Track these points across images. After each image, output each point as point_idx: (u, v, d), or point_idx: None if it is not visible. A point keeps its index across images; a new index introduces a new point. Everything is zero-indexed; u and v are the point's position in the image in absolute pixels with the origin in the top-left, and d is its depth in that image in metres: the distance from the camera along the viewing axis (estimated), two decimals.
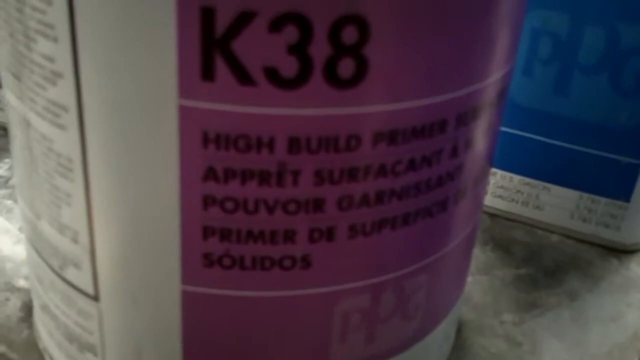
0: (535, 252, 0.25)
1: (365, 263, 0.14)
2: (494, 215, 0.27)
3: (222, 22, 0.11)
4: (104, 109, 0.12)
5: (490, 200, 0.26)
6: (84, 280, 0.14)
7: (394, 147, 0.13)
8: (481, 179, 0.16)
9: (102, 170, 0.13)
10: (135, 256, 0.13)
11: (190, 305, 0.13)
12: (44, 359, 0.18)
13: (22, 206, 0.16)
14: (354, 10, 0.11)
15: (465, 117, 0.14)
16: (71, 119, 0.13)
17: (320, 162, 0.12)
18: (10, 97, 0.14)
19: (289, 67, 0.11)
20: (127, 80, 0.12)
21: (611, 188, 0.24)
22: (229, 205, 0.12)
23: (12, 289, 0.20)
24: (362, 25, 0.11)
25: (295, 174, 0.12)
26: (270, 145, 0.12)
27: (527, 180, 0.26)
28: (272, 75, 0.11)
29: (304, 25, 0.11)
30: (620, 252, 0.25)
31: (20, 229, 0.23)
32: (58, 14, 0.12)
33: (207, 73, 0.11)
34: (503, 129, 0.25)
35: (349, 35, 0.11)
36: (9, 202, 0.25)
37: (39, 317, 0.17)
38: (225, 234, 0.13)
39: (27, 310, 0.19)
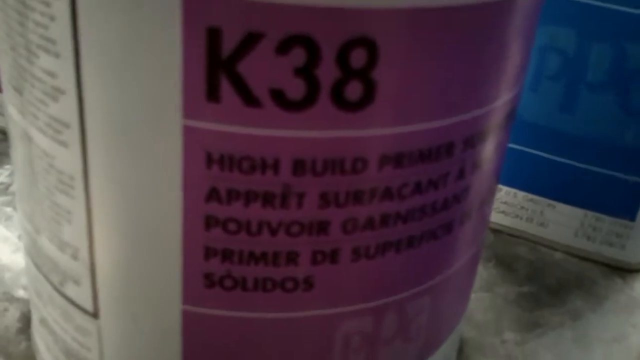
0: (538, 269, 0.25)
1: (368, 286, 0.14)
2: (497, 231, 0.26)
3: (228, 43, 0.11)
4: (107, 127, 0.12)
5: (494, 216, 0.26)
6: (83, 297, 0.14)
7: (400, 170, 0.12)
8: (487, 200, 0.16)
9: (104, 188, 0.13)
10: (136, 275, 0.13)
11: (191, 325, 0.13)
12: None
13: (22, 219, 0.16)
14: (362, 33, 0.11)
15: (472, 140, 0.13)
16: (73, 136, 0.12)
17: (325, 184, 0.12)
18: (11, 111, 0.14)
19: (295, 89, 0.11)
20: (131, 99, 0.11)
21: (616, 207, 0.24)
22: (232, 226, 0.12)
23: (11, 299, 0.20)
24: (371, 48, 0.11)
25: (300, 196, 0.12)
26: (275, 167, 0.12)
27: (531, 196, 0.25)
28: (278, 97, 0.11)
29: (312, 48, 0.11)
30: (625, 271, 0.25)
31: (19, 237, 0.23)
32: (60, 30, 0.12)
33: (213, 94, 0.11)
34: (509, 145, 0.25)
35: (357, 58, 0.11)
36: (8, 210, 0.24)
37: (37, 330, 0.17)
38: (227, 255, 0.12)
39: (26, 321, 0.19)
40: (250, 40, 0.11)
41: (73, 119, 0.12)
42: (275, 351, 0.14)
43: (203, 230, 0.12)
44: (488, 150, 0.14)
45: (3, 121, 0.29)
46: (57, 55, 0.12)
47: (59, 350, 0.16)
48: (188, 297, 0.13)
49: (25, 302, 0.20)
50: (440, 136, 0.13)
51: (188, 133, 0.11)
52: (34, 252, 0.15)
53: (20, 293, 0.20)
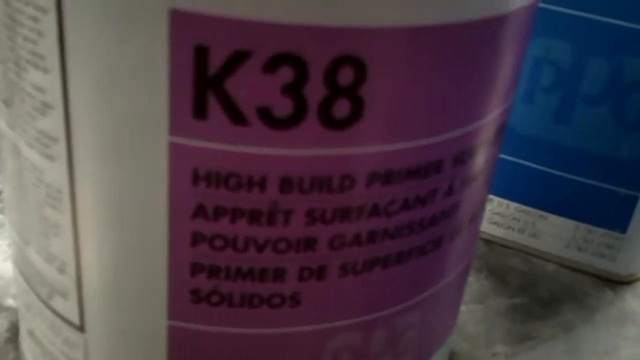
0: (530, 281, 0.25)
1: (356, 301, 0.14)
2: (489, 242, 0.26)
3: (216, 61, 0.11)
4: (93, 142, 0.12)
5: (486, 227, 0.26)
6: (70, 311, 0.14)
7: (388, 188, 0.12)
8: (478, 214, 0.16)
9: (91, 203, 0.12)
10: (123, 289, 0.13)
11: (177, 340, 0.13)
12: None
13: (11, 230, 0.16)
14: (350, 51, 0.11)
15: (462, 156, 0.13)
16: (60, 150, 0.12)
17: (312, 202, 0.12)
18: (1, 124, 0.14)
19: (283, 107, 0.11)
20: (118, 115, 0.11)
21: (608, 219, 0.24)
22: (218, 242, 0.12)
23: (0, 308, 0.20)
24: (359, 65, 0.11)
25: (287, 213, 0.12)
26: (262, 184, 0.12)
27: (523, 207, 0.25)
28: (266, 115, 0.11)
29: (300, 66, 0.11)
30: (616, 283, 0.25)
31: (9, 245, 0.23)
32: (49, 46, 0.12)
33: (200, 111, 0.11)
34: (501, 156, 0.25)
35: (345, 76, 0.11)
36: (0, 217, 0.24)
37: (25, 341, 0.17)
38: (213, 271, 0.12)
39: (15, 330, 0.19)
40: (238, 59, 0.11)
41: (60, 133, 0.12)
42: None
43: (189, 246, 0.12)
44: (478, 165, 0.14)
45: None
46: (45, 70, 0.12)
47: None
48: (174, 312, 0.13)
49: (14, 312, 0.20)
50: (429, 153, 0.13)
51: (174, 150, 0.11)
52: (22, 264, 0.15)
53: (10, 302, 0.20)
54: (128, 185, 0.12)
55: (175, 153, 0.11)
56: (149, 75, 0.11)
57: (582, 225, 0.25)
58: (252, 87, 0.11)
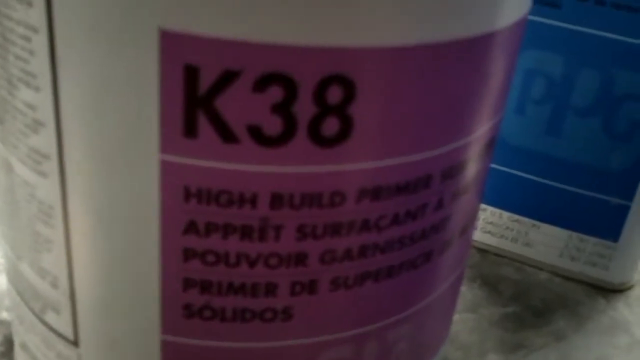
0: (523, 290, 0.25)
1: (348, 315, 0.14)
2: (483, 251, 0.27)
3: (205, 81, 0.11)
4: (85, 159, 0.12)
5: (479, 236, 0.26)
6: (63, 325, 0.14)
7: (377, 203, 0.13)
8: (469, 226, 0.16)
9: (82, 219, 0.13)
10: (116, 304, 0.13)
11: (170, 355, 0.13)
12: None
13: (4, 245, 0.16)
14: (339, 70, 0.11)
15: (451, 171, 0.14)
16: (52, 167, 0.12)
17: (303, 217, 0.12)
18: None
19: (272, 125, 0.11)
20: (109, 133, 0.12)
21: (600, 228, 0.24)
22: (210, 258, 0.12)
23: None
24: (347, 84, 0.11)
25: (278, 229, 0.12)
26: (253, 201, 0.12)
27: (516, 217, 0.26)
28: (256, 133, 0.11)
29: (289, 85, 0.11)
30: (608, 291, 0.25)
31: (3, 258, 0.23)
32: (40, 64, 0.12)
33: (190, 130, 0.11)
34: (494, 166, 0.25)
35: (334, 94, 0.11)
36: None
37: (19, 355, 0.17)
38: (205, 286, 0.13)
39: (9, 344, 0.19)
40: (227, 78, 0.11)
41: (52, 150, 0.12)
42: None
43: (181, 262, 0.12)
44: (468, 179, 0.14)
45: None
46: (37, 89, 0.12)
47: None
48: (167, 327, 0.13)
49: (8, 325, 0.20)
50: (417, 169, 0.13)
51: (165, 167, 0.11)
52: (15, 278, 0.15)
53: (4, 315, 0.20)
54: (119, 201, 0.12)
55: (166, 170, 0.12)
56: (139, 94, 0.11)
57: (574, 235, 0.25)
58: (241, 106, 0.11)
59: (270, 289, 0.13)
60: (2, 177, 0.14)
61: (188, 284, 0.13)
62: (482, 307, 0.24)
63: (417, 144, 0.12)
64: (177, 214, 0.12)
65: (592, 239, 0.25)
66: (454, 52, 0.12)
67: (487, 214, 0.26)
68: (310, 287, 0.13)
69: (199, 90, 0.11)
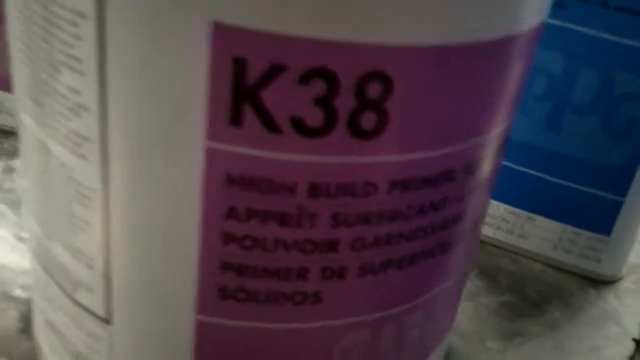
0: (519, 280, 0.26)
1: (371, 300, 0.14)
2: (480, 242, 0.27)
3: (252, 73, 0.11)
4: (129, 144, 0.12)
5: None
6: (96, 304, 0.15)
7: (406, 194, 0.13)
8: (479, 221, 0.17)
9: (123, 201, 0.13)
10: (152, 285, 0.14)
11: (203, 334, 0.14)
12: None
13: (32, 225, 0.16)
14: (378, 67, 0.12)
15: (471, 166, 0.14)
16: (94, 150, 0.13)
17: (337, 206, 0.13)
18: (27, 121, 0.15)
19: (314, 117, 0.12)
20: (155, 119, 0.12)
21: (594, 222, 0.25)
22: (248, 243, 0.13)
23: (9, 298, 0.20)
24: (386, 81, 0.12)
25: (313, 216, 0.13)
26: (292, 189, 0.12)
27: (513, 209, 0.27)
28: (298, 124, 0.12)
29: (331, 80, 0.11)
30: (599, 282, 0.26)
31: (15, 236, 0.23)
32: (87, 50, 0.12)
33: (235, 119, 0.12)
34: None
35: (373, 90, 0.12)
36: (2, 207, 0.25)
37: (42, 332, 0.18)
38: (242, 270, 0.13)
39: (26, 321, 0.20)
40: (274, 72, 0.11)
41: (94, 134, 0.13)
42: (282, 358, 0.14)
43: (220, 245, 0.13)
44: (484, 174, 0.15)
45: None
46: (81, 73, 0.12)
47: (66, 353, 0.16)
48: (202, 307, 0.14)
49: (24, 302, 0.20)
50: (443, 163, 0.13)
51: (210, 154, 0.12)
52: (44, 258, 0.16)
53: (18, 292, 0.21)
54: (162, 186, 0.13)
55: (210, 157, 0.12)
56: (188, 82, 0.12)
57: (569, 228, 0.26)
58: (286, 98, 0.11)
59: (302, 274, 0.13)
60: (36, 158, 0.15)
61: (225, 267, 0.13)
62: (481, 296, 0.24)
63: (444, 139, 0.13)
64: (219, 199, 0.12)
65: (586, 233, 0.26)
66: (482, 52, 0.13)
67: None
68: (340, 272, 0.14)
69: (246, 82, 0.11)
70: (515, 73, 0.14)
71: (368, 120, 0.12)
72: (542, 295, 0.25)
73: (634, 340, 0.23)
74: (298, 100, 0.12)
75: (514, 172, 0.26)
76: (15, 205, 0.25)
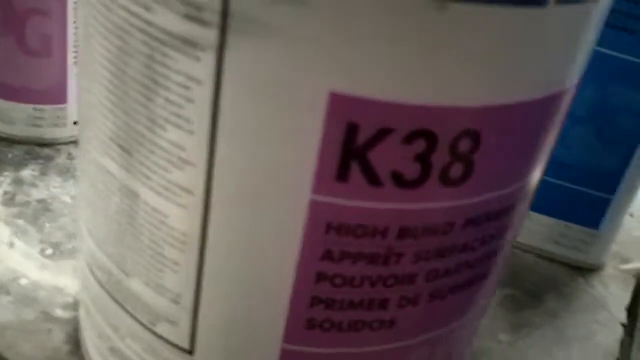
0: (516, 272, 0.28)
1: (435, 321, 0.16)
2: None
3: (363, 135, 0.12)
4: (233, 196, 0.13)
5: None
6: (179, 336, 0.15)
7: (475, 229, 0.15)
8: (513, 242, 0.18)
9: (221, 246, 0.14)
10: (240, 319, 0.15)
11: None
12: None
13: (103, 259, 0.16)
14: (471, 126, 0.13)
15: (524, 199, 0.16)
16: (195, 201, 0.14)
17: (420, 245, 0.14)
18: (110, 166, 0.15)
19: (412, 171, 0.13)
20: (263, 175, 0.13)
21: (583, 217, 0.28)
22: (338, 280, 0.14)
23: (52, 319, 0.21)
24: (475, 136, 0.13)
25: (399, 255, 0.14)
26: (384, 233, 0.13)
27: None
28: (398, 178, 0.13)
29: (431, 139, 0.13)
30: (585, 270, 0.29)
31: (42, 253, 0.23)
32: (198, 112, 0.13)
33: (342, 175, 0.13)
34: None
35: (464, 145, 0.13)
36: (21, 222, 0.25)
37: (103, 357, 0.18)
38: (329, 304, 0.14)
39: (74, 342, 0.20)
40: (382, 134, 0.12)
41: (197, 187, 0.13)
42: None
43: (313, 283, 0.14)
44: (528, 203, 0.17)
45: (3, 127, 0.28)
46: (190, 132, 0.13)
47: None
48: (288, 337, 0.15)
49: (67, 323, 0.21)
50: (507, 200, 0.15)
51: (314, 206, 0.13)
52: (116, 291, 0.16)
53: (59, 313, 0.21)
54: (262, 233, 0.13)
55: (314, 208, 0.13)
56: (301, 143, 0.12)
57: (561, 223, 0.28)
58: (390, 156, 0.13)
59: (383, 304, 0.15)
60: (117, 201, 0.15)
61: (315, 301, 0.14)
62: None
63: (511, 179, 0.14)
64: (317, 244, 0.13)
65: (576, 227, 0.28)
66: (547, 105, 0.14)
67: None
68: (414, 300, 0.15)
69: (355, 144, 0.12)
70: (560, 122, 0.16)
71: (457, 170, 0.13)
72: (539, 286, 0.27)
73: (622, 325, 0.26)
74: (401, 157, 0.13)
75: None
76: (34, 219, 0.25)
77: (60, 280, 0.22)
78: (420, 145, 0.13)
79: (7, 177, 0.27)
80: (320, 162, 0.13)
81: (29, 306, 0.21)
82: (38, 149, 0.28)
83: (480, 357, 0.23)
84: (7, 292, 0.21)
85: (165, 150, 0.14)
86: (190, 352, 0.16)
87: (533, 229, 0.29)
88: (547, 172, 0.27)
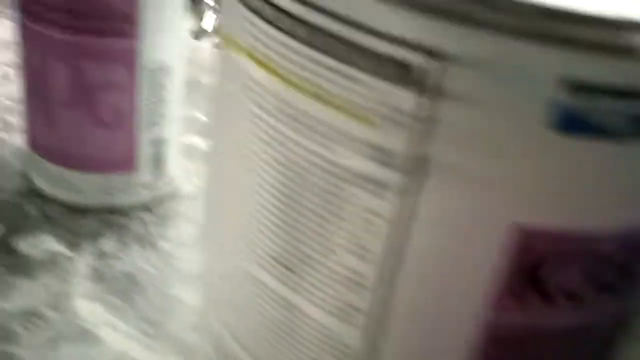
0: None
1: None
2: None
3: (544, 264, 0.13)
4: (408, 317, 0.14)
5: None
6: None
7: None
8: None
9: (392, 356, 0.15)
10: None
11: None
12: None
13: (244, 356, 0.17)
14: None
15: None
16: (366, 320, 0.14)
17: None
18: (266, 278, 0.15)
19: (584, 289, 0.14)
20: (441, 300, 0.14)
21: None
22: None
23: None
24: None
25: None
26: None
27: None
28: (570, 296, 0.14)
29: (605, 261, 0.13)
30: None
31: (142, 331, 0.23)
32: (380, 243, 0.13)
33: (518, 296, 0.13)
34: None
35: (627, 260, 0.14)
36: (113, 299, 0.25)
37: None
38: None
39: None
40: (562, 261, 0.13)
41: (371, 309, 0.14)
42: None
43: None
44: None
45: None
46: (368, 260, 0.14)
47: None
48: None
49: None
50: None
51: (487, 321, 0.14)
52: None
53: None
54: (434, 344, 0.14)
55: (486, 323, 0.14)
56: (484, 270, 0.13)
57: None
58: (568, 280, 0.13)
59: None
60: (271, 310, 0.16)
61: None
62: None
63: None
64: (484, 349, 0.14)
65: None
66: None
67: None
68: None
69: (540, 273, 0.13)
70: None
71: (614, 279, 0.14)
72: None
73: None
74: (577, 280, 0.13)
75: None
76: (125, 294, 0.25)
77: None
78: (595, 267, 0.13)
79: (87, 249, 0.27)
80: (499, 285, 0.13)
81: None
82: (110, 217, 0.29)
83: None
84: None
85: (337, 273, 0.14)
86: None
87: None
88: None
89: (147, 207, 0.30)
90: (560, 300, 0.14)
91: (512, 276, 0.13)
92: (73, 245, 0.27)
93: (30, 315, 0.24)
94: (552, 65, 0.11)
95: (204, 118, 0.35)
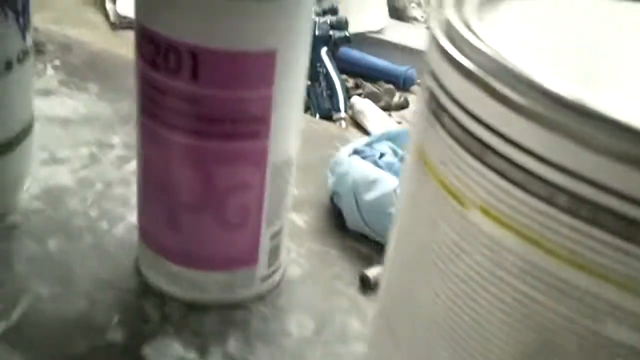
0: None
1: None
2: None
3: None
4: None
5: None
6: None
7: None
8: None
9: None
10: None
11: None
12: None
13: None
14: None
15: None
16: None
17: None
18: None
19: None
20: None
21: None
22: None
23: None
24: None
25: None
26: None
27: None
28: None
29: None
30: None
31: None
32: None
33: None
34: None
35: None
36: None
37: None
38: None
39: None
40: None
41: None
42: None
43: None
44: None
45: None
46: None
47: None
48: None
49: None
50: None
51: None
52: None
53: None
54: None
55: None
56: None
57: None
58: None
59: None
60: None
61: None
62: None
63: None
64: None
65: None
66: None
67: None
68: None
69: None
70: None
71: None
72: None
73: None
74: None
75: None
76: None
77: None
78: None
79: (216, 353, 0.26)
80: None
81: None
82: (230, 313, 0.28)
83: None
84: None
85: None
86: None
87: None
88: None
89: (262, 298, 0.29)
90: None
91: None
92: (201, 350, 0.26)
93: None
94: None
95: (296, 192, 0.34)
